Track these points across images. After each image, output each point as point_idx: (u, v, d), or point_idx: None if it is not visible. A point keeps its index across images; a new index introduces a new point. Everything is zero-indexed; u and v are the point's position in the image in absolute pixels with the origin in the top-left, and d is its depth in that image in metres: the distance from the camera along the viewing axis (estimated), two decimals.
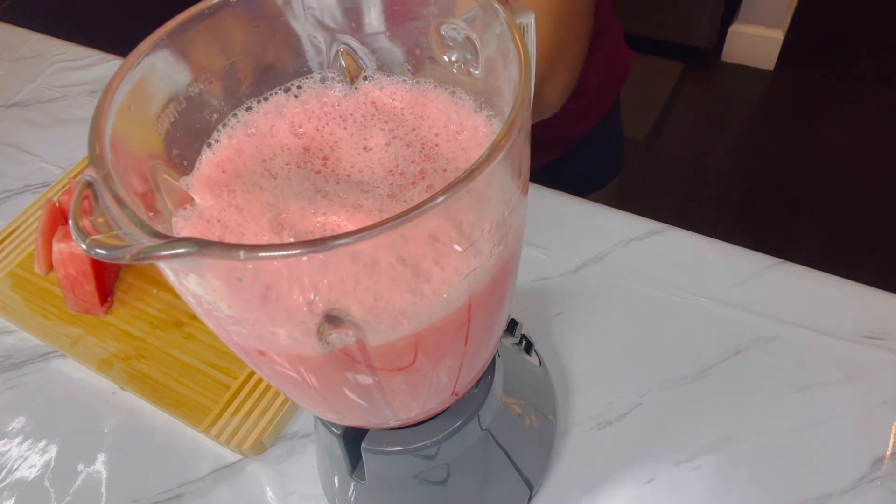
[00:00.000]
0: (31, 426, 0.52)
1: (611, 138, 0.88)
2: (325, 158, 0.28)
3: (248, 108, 0.30)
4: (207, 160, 0.28)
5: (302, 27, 0.30)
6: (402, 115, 0.30)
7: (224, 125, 0.29)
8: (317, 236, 0.25)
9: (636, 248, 0.57)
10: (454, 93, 0.30)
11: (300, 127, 0.30)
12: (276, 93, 0.30)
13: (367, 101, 0.30)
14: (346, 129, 0.30)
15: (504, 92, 0.27)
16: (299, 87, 0.31)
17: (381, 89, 0.31)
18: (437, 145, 0.28)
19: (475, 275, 0.24)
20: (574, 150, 0.83)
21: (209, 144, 0.29)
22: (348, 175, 0.28)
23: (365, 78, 0.31)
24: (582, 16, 0.58)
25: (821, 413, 0.46)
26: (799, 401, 0.47)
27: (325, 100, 0.31)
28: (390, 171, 0.27)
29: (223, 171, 0.28)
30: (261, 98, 0.30)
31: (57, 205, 0.60)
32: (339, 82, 0.31)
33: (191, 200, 0.27)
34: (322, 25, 0.30)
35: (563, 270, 0.56)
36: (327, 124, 0.30)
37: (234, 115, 0.29)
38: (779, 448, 0.45)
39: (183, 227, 0.26)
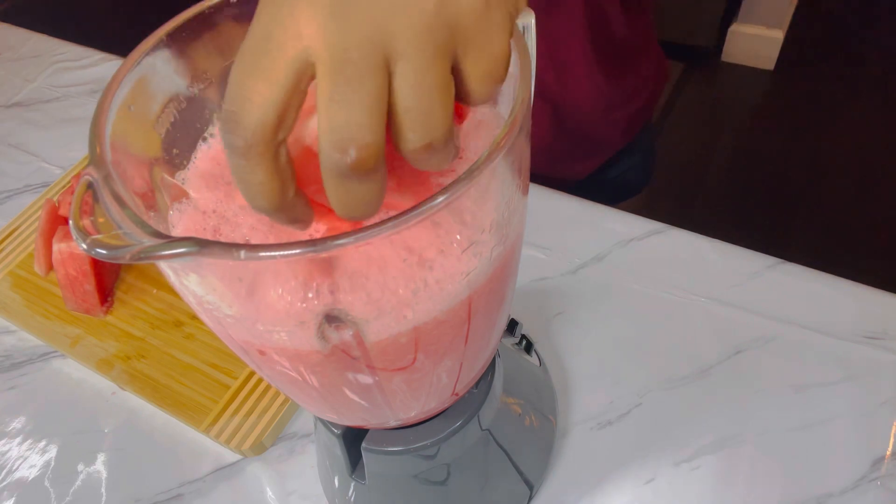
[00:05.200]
0: (31, 426, 0.52)
1: (646, 145, 0.87)
2: None
3: None
4: (203, 153, 0.28)
5: None
6: None
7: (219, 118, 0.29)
8: (316, 232, 0.25)
9: (636, 248, 0.57)
10: None
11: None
12: None
13: None
14: None
15: (504, 91, 0.27)
16: None
17: None
18: None
19: (475, 275, 0.24)
20: (612, 159, 0.83)
21: (204, 138, 0.29)
22: None
23: None
24: None
25: (821, 413, 0.46)
26: (799, 401, 0.47)
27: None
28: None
29: (219, 164, 0.28)
30: None
31: (57, 205, 0.60)
32: None
33: (186, 195, 0.27)
34: None
35: (563, 270, 0.56)
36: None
37: None
38: (779, 448, 0.45)
39: (179, 219, 0.26)
